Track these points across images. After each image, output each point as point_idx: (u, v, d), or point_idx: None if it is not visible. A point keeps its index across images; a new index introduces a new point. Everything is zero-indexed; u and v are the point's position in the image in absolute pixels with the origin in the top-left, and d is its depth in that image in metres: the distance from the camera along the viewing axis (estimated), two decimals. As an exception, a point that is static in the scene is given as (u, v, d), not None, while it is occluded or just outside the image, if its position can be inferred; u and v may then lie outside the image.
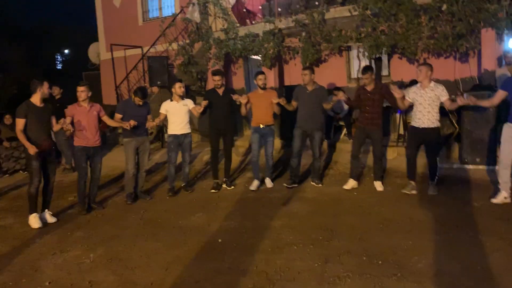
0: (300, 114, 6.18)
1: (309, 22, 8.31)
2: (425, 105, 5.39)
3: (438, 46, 7.35)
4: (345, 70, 9.42)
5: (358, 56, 8.94)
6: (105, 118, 5.81)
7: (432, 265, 3.56)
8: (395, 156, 7.21)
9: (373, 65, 9.00)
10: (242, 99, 6.05)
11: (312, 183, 6.36)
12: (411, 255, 3.75)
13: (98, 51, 13.45)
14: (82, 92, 5.54)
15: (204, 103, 6.10)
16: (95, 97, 13.41)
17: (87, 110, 5.57)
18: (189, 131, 6.37)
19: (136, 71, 11.49)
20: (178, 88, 6.23)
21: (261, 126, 6.19)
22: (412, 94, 5.54)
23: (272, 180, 6.53)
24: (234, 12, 10.02)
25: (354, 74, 9.40)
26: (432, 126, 5.40)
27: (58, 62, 30.88)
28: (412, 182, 5.65)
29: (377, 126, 5.85)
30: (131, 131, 5.85)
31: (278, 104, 6.06)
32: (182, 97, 6.30)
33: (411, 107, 5.69)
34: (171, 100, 6.30)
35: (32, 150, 4.97)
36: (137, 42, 12.06)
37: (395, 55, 8.46)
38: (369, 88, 5.83)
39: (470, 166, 6.45)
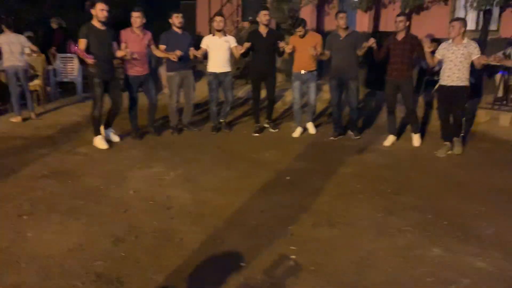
0: (334, 63, 5.92)
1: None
2: (456, 62, 5.15)
3: None
4: (448, 20, 8.66)
5: (465, 6, 8.17)
6: (153, 48, 5.81)
7: (500, 233, 3.42)
8: (488, 119, 6.71)
9: (481, 18, 8.25)
10: (287, 48, 5.81)
11: (350, 132, 6.14)
12: (480, 221, 3.63)
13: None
14: (137, 18, 5.47)
15: (247, 45, 5.86)
16: (189, 26, 13.91)
17: (140, 38, 5.58)
18: (229, 69, 6.17)
19: (231, 4, 11.54)
20: (216, 22, 6.00)
21: (302, 72, 5.98)
22: (442, 51, 5.29)
23: (355, 130, 6.20)
24: None
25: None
26: (461, 84, 5.19)
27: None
28: (448, 144, 5.44)
29: (407, 77, 5.61)
30: (175, 64, 5.76)
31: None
32: (224, 33, 6.12)
33: None
34: (213, 35, 6.12)
35: (90, 60, 4.99)
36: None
37: (509, 8, 7.59)
38: (400, 37, 5.51)
39: None
